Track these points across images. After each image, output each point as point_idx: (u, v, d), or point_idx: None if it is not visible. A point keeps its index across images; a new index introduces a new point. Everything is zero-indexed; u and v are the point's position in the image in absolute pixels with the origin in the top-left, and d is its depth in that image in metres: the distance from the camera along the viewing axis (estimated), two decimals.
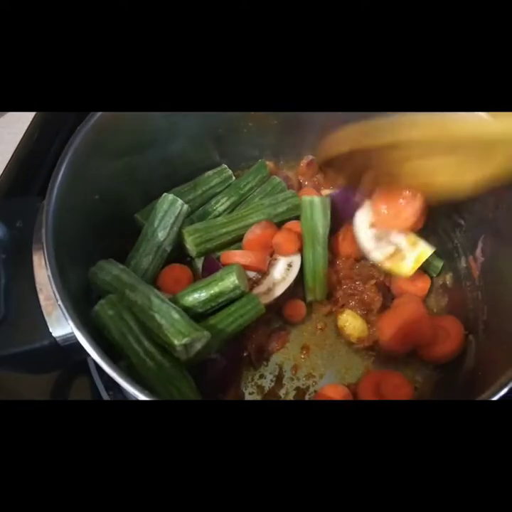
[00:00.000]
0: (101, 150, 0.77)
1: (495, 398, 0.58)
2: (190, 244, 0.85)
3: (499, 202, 0.77)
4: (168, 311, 0.71)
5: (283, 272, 0.87)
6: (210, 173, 0.94)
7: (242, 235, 0.88)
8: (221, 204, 0.92)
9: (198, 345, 0.71)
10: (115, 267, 0.76)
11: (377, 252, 0.88)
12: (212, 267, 0.84)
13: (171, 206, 0.82)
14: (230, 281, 0.78)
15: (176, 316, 0.70)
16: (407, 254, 0.87)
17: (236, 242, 0.89)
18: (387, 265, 0.88)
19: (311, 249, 0.88)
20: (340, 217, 0.91)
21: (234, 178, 0.96)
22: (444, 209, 0.90)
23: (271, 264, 0.88)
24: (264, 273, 0.87)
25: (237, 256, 0.84)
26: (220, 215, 0.92)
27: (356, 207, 0.90)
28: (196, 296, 0.78)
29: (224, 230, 0.87)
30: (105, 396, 0.83)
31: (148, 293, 0.72)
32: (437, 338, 0.83)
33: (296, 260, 0.88)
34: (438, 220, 0.92)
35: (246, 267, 0.85)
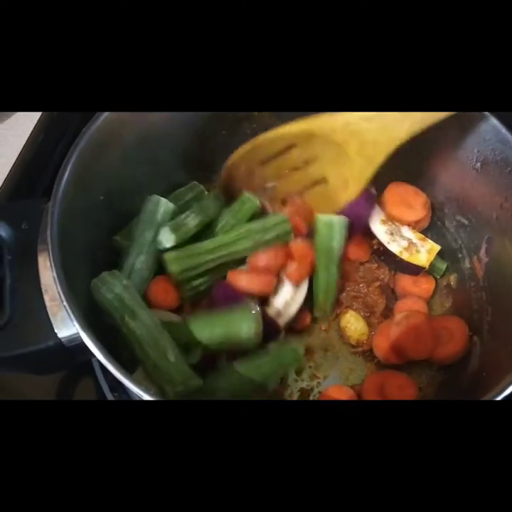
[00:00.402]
0: (106, 151, 0.77)
1: (498, 399, 0.58)
2: (172, 272, 0.80)
3: (503, 201, 0.77)
4: (165, 351, 0.69)
5: (292, 292, 0.84)
6: (182, 189, 0.92)
7: (229, 262, 0.82)
8: (192, 219, 0.87)
9: (189, 390, 0.69)
10: (119, 282, 0.72)
11: (394, 244, 0.90)
12: (227, 294, 0.80)
13: (156, 206, 0.82)
14: (244, 332, 0.74)
15: (173, 358, 0.68)
16: (420, 248, 0.90)
17: (222, 267, 0.83)
18: (405, 256, 0.89)
19: (326, 270, 0.86)
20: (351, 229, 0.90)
21: (206, 193, 0.94)
22: (447, 209, 0.91)
23: (278, 282, 0.83)
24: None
25: (243, 280, 0.79)
26: (193, 229, 0.86)
27: (367, 219, 0.90)
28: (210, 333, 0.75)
29: (210, 257, 0.81)
30: (110, 397, 0.83)
31: (149, 323, 0.70)
32: (441, 340, 0.83)
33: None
34: (442, 220, 0.92)
35: (251, 293, 0.80)
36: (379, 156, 0.79)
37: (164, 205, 0.82)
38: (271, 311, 0.81)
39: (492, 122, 0.77)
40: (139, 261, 0.80)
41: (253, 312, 0.75)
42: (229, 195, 0.91)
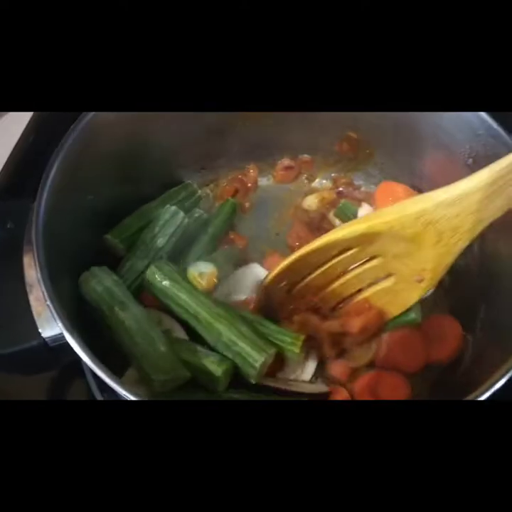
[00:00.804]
0: (94, 151, 0.77)
1: (484, 397, 0.58)
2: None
3: None
4: (155, 342, 0.69)
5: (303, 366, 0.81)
6: (175, 189, 0.93)
7: None
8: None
9: (174, 384, 0.69)
10: (109, 277, 0.74)
11: None
12: None
13: (172, 217, 0.85)
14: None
15: (163, 348, 0.69)
16: None
17: None
18: None
19: None
20: None
21: (199, 192, 0.95)
22: None
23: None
24: None
25: None
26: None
27: None
28: None
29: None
30: (99, 398, 0.82)
31: (138, 315, 0.71)
32: (434, 343, 0.82)
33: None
34: None
35: None
36: (462, 242, 0.66)
37: (181, 218, 0.85)
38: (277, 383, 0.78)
39: (483, 118, 0.77)
40: (142, 264, 0.81)
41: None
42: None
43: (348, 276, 0.74)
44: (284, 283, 0.76)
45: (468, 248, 0.84)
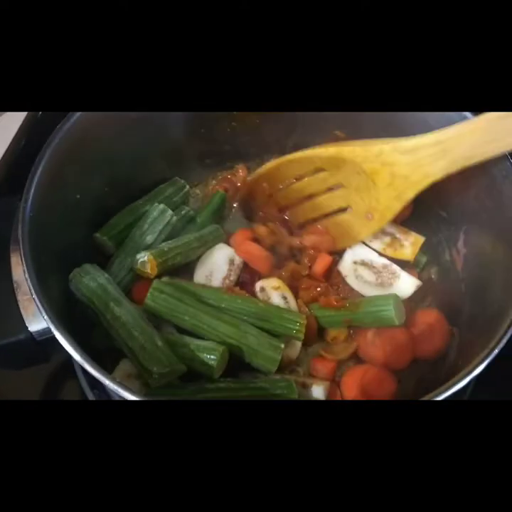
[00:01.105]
0: (80, 149, 0.78)
1: (447, 394, 0.61)
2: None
3: (477, 192, 0.78)
4: (153, 337, 0.70)
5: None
6: (162, 186, 0.94)
7: None
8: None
9: (170, 377, 0.70)
10: (101, 274, 0.75)
11: (377, 242, 0.90)
12: None
13: (160, 215, 0.86)
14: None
15: (160, 343, 0.70)
16: (404, 242, 0.90)
17: None
18: (389, 252, 0.89)
19: None
20: None
21: (188, 187, 0.96)
22: (425, 201, 0.90)
23: None
24: None
25: None
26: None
27: None
28: None
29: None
30: (90, 395, 0.83)
31: (134, 312, 0.72)
32: (422, 338, 0.83)
33: None
34: (421, 213, 0.92)
35: None
36: (409, 191, 0.77)
37: (169, 216, 0.86)
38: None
39: (466, 116, 0.77)
40: (131, 260, 0.81)
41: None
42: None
43: (317, 199, 0.89)
44: (265, 185, 0.91)
45: (454, 244, 0.87)
